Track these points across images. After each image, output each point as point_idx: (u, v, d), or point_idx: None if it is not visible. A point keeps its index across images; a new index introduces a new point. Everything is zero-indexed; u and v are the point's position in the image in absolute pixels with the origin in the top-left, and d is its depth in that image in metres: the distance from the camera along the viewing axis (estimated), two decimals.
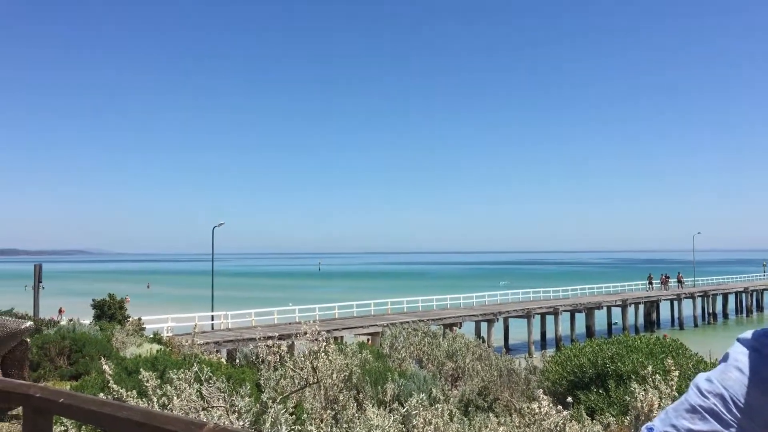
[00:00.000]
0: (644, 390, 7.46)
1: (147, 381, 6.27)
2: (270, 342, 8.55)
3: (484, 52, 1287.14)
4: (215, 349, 30.58)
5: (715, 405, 1.50)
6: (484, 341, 26.48)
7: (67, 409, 3.05)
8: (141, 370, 7.03)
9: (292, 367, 7.54)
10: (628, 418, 7.72)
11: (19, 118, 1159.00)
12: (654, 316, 66.65)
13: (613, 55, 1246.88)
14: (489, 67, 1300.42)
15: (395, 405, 8.28)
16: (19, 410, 8.65)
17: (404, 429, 6.23)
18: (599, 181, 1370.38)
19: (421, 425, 5.90)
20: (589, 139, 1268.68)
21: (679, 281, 73.39)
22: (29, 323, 9.70)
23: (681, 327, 65.31)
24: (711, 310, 73.05)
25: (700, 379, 1.56)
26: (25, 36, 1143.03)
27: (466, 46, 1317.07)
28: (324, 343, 7.33)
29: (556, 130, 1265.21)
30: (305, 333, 7.51)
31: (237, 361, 21.14)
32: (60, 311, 46.58)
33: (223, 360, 18.16)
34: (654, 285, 71.55)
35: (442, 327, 34.09)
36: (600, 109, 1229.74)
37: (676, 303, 68.36)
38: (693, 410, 1.53)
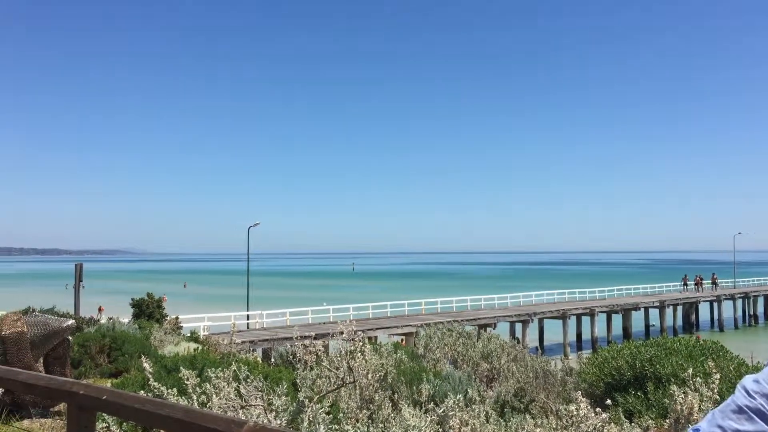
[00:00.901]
0: (684, 393, 7.33)
1: (187, 379, 6.35)
2: (307, 341, 8.59)
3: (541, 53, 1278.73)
4: (250, 348, 30.85)
5: (762, 406, 1.49)
6: (518, 342, 26.25)
7: (110, 407, 3.10)
8: (180, 368, 7.12)
9: (328, 366, 7.57)
10: (667, 421, 7.60)
11: (61, 119, 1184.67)
12: (693, 317, 65.48)
13: (657, 54, 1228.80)
14: (520, 70, 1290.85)
15: (431, 405, 8.26)
16: (61, 407, 8.84)
17: (440, 430, 6.21)
18: (638, 181, 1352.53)
19: (458, 426, 5.88)
20: (627, 140, 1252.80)
21: (714, 282, 71.87)
22: (71, 321, 9.90)
23: (721, 329, 64.06)
24: (752, 312, 71.53)
25: (748, 380, 1.55)
26: (70, 39, 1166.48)
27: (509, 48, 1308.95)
28: (360, 343, 7.34)
29: (594, 131, 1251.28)
30: (341, 333, 7.53)
31: (272, 360, 21.30)
32: (100, 310, 47.55)
33: (259, 359, 18.32)
34: (688, 286, 70.25)
35: (477, 327, 33.98)
36: (638, 110, 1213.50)
37: (715, 304, 67.07)
38: (740, 411, 1.52)
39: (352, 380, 7.53)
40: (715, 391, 7.99)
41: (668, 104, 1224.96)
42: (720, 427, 1.53)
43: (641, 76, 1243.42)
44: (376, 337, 33.00)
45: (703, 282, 71.08)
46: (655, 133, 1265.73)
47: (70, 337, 10.21)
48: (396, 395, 9.77)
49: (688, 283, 70.50)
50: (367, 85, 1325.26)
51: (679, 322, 63.84)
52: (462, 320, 39.44)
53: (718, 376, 8.12)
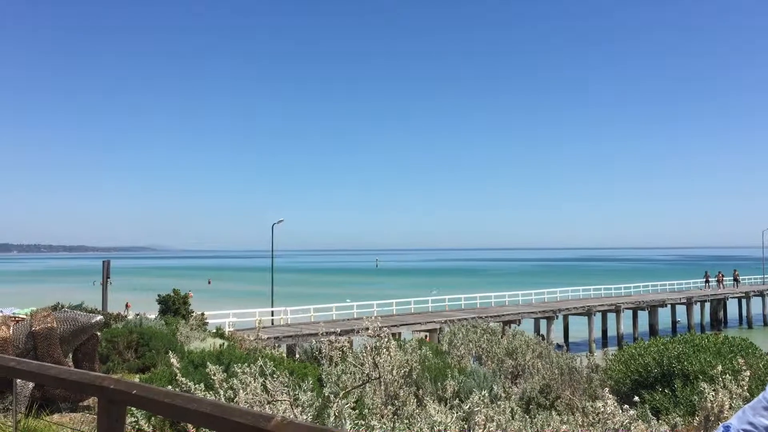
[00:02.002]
0: (715, 390, 7.24)
1: (213, 374, 6.40)
2: (332, 337, 8.63)
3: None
4: (275, 344, 31.01)
5: None
6: (543, 339, 26.09)
7: (140, 401, 3.14)
8: (207, 363, 7.18)
9: (353, 362, 7.59)
10: (696, 418, 7.51)
11: (86, 118, 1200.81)
12: (721, 314, 64.60)
13: (690, 53, 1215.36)
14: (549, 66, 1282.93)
15: (456, 402, 8.24)
16: (91, 401, 8.96)
17: (466, 426, 6.20)
18: (664, 177, 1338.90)
19: (483, 422, 5.87)
20: (653, 136, 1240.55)
21: (735, 279, 70.47)
22: (99, 317, 10.02)
23: (750, 326, 63.17)
24: None
25: None
26: (107, 38, 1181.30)
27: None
28: (386, 339, 7.36)
29: (619, 126, 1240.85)
30: (367, 329, 7.55)
31: (297, 356, 21.42)
32: (127, 306, 48.16)
33: (284, 355, 18.42)
34: (710, 283, 68.97)
35: (501, 324, 33.83)
36: (664, 106, 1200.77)
37: (744, 301, 66.09)
38: None
39: (377, 376, 7.54)
40: (745, 388, 7.88)
41: (694, 100, 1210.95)
42: (751, 423, 1.51)
43: (668, 71, 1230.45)
44: (399, 334, 32.99)
45: (724, 279, 69.78)
46: (681, 129, 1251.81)
47: (98, 333, 10.35)
48: (421, 391, 9.77)
49: (710, 279, 69.32)
50: (390, 82, 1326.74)
51: (707, 318, 62.98)
52: (486, 317, 39.35)
53: (748, 374, 8.02)
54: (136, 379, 10.95)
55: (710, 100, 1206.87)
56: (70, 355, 9.65)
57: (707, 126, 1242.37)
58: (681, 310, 59.95)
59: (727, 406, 6.95)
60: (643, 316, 56.17)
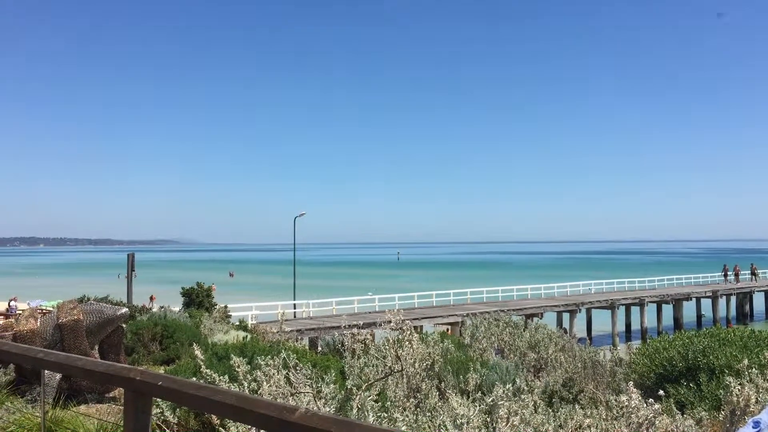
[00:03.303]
0: (741, 384, 7.16)
1: (237, 366, 6.46)
2: (355, 330, 8.66)
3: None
4: (297, 337, 31.17)
5: None
6: (566, 332, 25.94)
7: (165, 392, 3.17)
8: (231, 355, 7.24)
9: (375, 355, 7.61)
10: (722, 413, 7.43)
11: (111, 112, 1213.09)
12: (747, 308, 63.79)
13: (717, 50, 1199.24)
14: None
15: (478, 395, 8.23)
16: (117, 393, 9.07)
17: (488, 419, 6.20)
18: (687, 172, 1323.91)
19: (506, 416, 5.86)
20: (675, 132, 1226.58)
21: (753, 273, 69.22)
22: (124, 310, 10.15)
23: None
24: None
25: None
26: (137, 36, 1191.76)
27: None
28: (408, 332, 7.36)
29: (638, 121, 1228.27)
30: (389, 322, 7.56)
31: (319, 348, 21.51)
32: (151, 298, 48.58)
33: (306, 347, 18.51)
34: (729, 277, 67.79)
35: (523, 317, 33.72)
36: (680, 104, 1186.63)
37: None
38: None
39: (399, 369, 7.56)
40: None
41: (707, 98, 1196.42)
42: None
43: (692, 68, 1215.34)
44: (421, 327, 33.00)
45: (740, 272, 68.53)
46: (704, 124, 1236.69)
47: (124, 325, 10.48)
48: (443, 384, 9.77)
49: (728, 273, 68.23)
50: (410, 81, 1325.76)
51: (733, 312, 62.16)
52: (508, 310, 39.21)
53: None
54: (161, 370, 11.07)
55: (722, 96, 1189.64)
56: (96, 347, 9.79)
57: (720, 122, 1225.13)
58: (706, 303, 59.25)
59: (753, 401, 6.87)
60: (668, 310, 55.63)
